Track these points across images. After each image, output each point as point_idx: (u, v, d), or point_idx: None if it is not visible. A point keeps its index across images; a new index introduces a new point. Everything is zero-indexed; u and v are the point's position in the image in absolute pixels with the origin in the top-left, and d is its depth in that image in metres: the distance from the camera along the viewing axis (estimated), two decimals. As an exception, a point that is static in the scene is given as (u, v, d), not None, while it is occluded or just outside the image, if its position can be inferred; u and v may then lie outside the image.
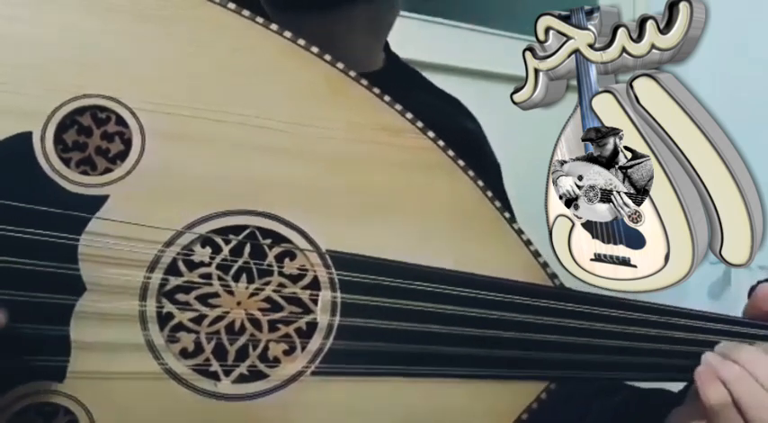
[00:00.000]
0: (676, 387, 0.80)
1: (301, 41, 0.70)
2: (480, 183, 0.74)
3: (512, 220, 0.75)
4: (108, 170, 0.65)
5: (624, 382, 0.86)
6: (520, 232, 0.75)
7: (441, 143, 0.73)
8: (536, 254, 0.75)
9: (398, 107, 0.72)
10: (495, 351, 0.71)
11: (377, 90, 0.72)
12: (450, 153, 0.73)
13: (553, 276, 0.75)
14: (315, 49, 0.71)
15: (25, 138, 0.63)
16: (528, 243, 0.75)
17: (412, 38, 0.95)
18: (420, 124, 0.73)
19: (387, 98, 0.72)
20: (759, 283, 0.76)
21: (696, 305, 0.75)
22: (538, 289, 0.73)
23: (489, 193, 0.74)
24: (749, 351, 0.69)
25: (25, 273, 0.61)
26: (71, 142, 0.64)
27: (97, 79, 0.65)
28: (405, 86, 0.90)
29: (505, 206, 0.76)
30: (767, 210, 0.67)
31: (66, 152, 0.64)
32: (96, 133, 0.65)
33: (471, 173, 0.74)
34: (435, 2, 1.77)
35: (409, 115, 0.73)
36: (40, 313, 0.62)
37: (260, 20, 0.69)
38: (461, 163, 0.74)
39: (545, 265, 0.75)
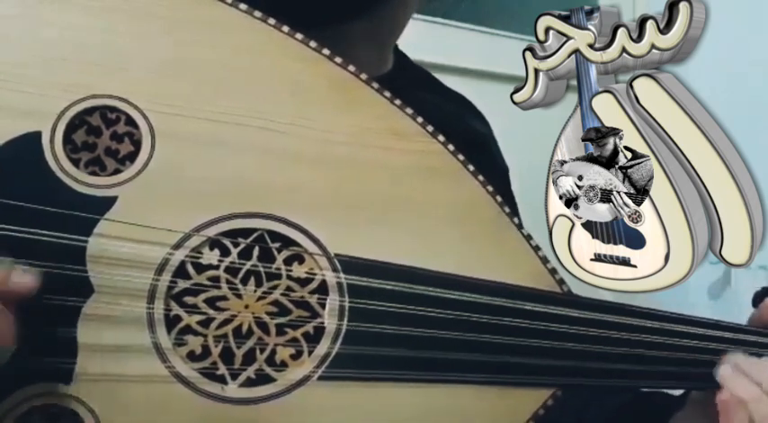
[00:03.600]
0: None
1: (312, 43, 0.70)
2: (490, 188, 0.74)
3: (520, 225, 0.75)
4: (117, 171, 0.65)
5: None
6: (528, 238, 0.75)
7: (450, 147, 0.73)
8: (544, 260, 0.75)
9: (409, 110, 0.72)
10: (501, 357, 0.71)
11: (387, 93, 0.72)
12: (460, 157, 0.73)
13: (561, 282, 0.75)
14: (326, 52, 0.70)
15: (34, 138, 0.63)
16: (536, 249, 0.75)
17: (412, 38, 0.95)
18: (430, 128, 0.73)
19: (398, 102, 0.72)
20: (763, 289, 0.77)
21: (696, 305, 0.76)
22: (545, 295, 0.73)
23: (498, 198, 0.74)
24: (763, 366, 0.69)
25: (32, 274, 0.61)
26: (80, 143, 0.64)
27: (107, 79, 0.65)
28: (413, 87, 0.90)
29: (514, 211, 0.76)
30: (767, 210, 0.67)
31: (76, 152, 0.64)
32: (106, 134, 0.65)
33: (481, 177, 0.74)
34: (436, 2, 1.77)
35: (420, 119, 0.72)
36: (46, 315, 0.62)
37: (272, 21, 0.69)
38: (471, 167, 0.74)
39: (553, 272, 0.75)
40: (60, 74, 0.64)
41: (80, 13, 0.66)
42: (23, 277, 0.59)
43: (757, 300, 0.76)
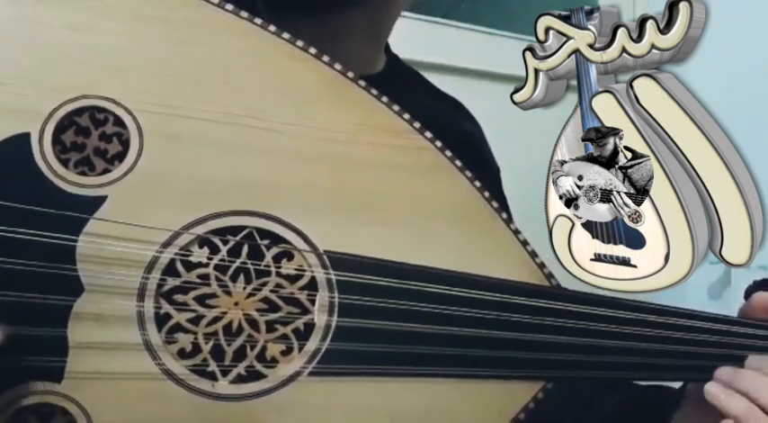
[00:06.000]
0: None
1: (299, 43, 0.70)
2: (477, 183, 0.74)
3: (509, 220, 0.75)
4: (106, 171, 0.65)
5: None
6: (517, 232, 0.75)
7: (438, 143, 0.73)
8: (533, 254, 0.75)
9: (396, 108, 0.72)
10: (492, 351, 0.71)
11: (375, 91, 0.72)
12: (448, 153, 0.73)
13: (550, 276, 0.75)
14: (313, 51, 0.71)
15: (23, 138, 0.63)
16: (525, 243, 0.75)
17: (412, 38, 0.95)
18: (417, 125, 0.73)
19: (384, 99, 0.72)
20: (755, 283, 0.76)
21: (696, 305, 0.75)
22: (534, 289, 0.73)
23: (486, 194, 0.74)
24: (751, 379, 0.69)
25: (23, 273, 0.61)
26: (69, 143, 0.65)
27: (96, 80, 0.65)
28: (404, 87, 0.90)
29: (502, 206, 0.76)
30: (767, 210, 0.66)
31: (65, 153, 0.64)
32: (94, 134, 0.65)
33: (469, 173, 0.74)
34: (436, 2, 1.77)
35: (407, 116, 0.73)
36: (37, 314, 0.62)
37: (258, 21, 0.70)
38: (459, 163, 0.74)
39: (542, 266, 0.75)
40: (48, 75, 0.65)
41: (76, 14, 0.66)
42: None
43: (749, 293, 0.75)
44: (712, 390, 0.70)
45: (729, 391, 0.69)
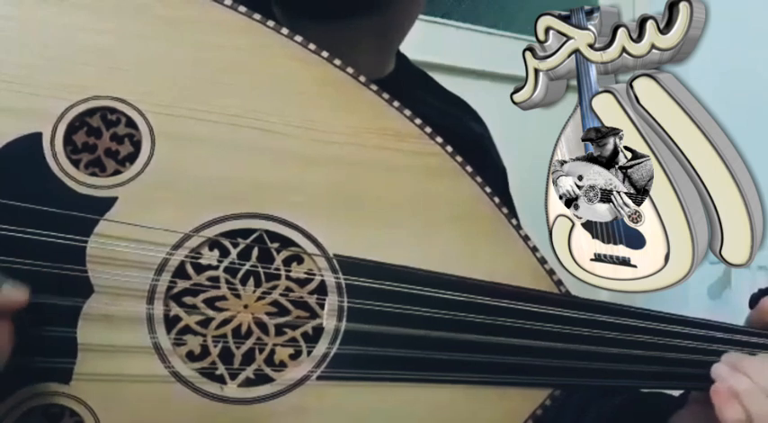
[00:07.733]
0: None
1: (312, 46, 0.70)
2: (488, 189, 0.74)
3: (518, 226, 0.75)
4: (117, 172, 0.65)
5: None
6: (526, 239, 0.75)
7: (449, 149, 0.73)
8: (542, 261, 0.75)
9: (407, 112, 0.72)
10: (500, 357, 0.71)
11: (386, 95, 0.72)
12: (458, 159, 0.74)
13: (559, 283, 0.75)
14: (325, 54, 0.70)
15: (35, 138, 0.63)
16: (534, 250, 0.75)
17: (412, 38, 0.95)
18: (428, 130, 0.73)
19: (396, 103, 0.72)
20: (760, 291, 0.77)
21: (696, 305, 0.76)
22: (544, 296, 0.73)
23: (497, 199, 0.74)
24: (756, 362, 0.70)
25: (32, 274, 0.61)
26: (81, 144, 0.64)
27: (107, 81, 0.65)
28: (412, 89, 0.90)
29: (512, 211, 0.76)
30: (767, 210, 0.67)
31: (76, 153, 0.64)
32: (106, 135, 0.65)
33: (479, 179, 0.74)
34: (436, 2, 1.77)
35: (418, 121, 0.73)
36: (46, 315, 0.61)
37: (270, 23, 0.69)
38: (469, 169, 0.74)
39: (551, 273, 0.75)
40: (61, 75, 0.64)
41: (81, 15, 0.66)
42: (12, 293, 0.58)
43: (754, 302, 0.75)
44: (717, 367, 0.71)
45: (734, 369, 0.70)
